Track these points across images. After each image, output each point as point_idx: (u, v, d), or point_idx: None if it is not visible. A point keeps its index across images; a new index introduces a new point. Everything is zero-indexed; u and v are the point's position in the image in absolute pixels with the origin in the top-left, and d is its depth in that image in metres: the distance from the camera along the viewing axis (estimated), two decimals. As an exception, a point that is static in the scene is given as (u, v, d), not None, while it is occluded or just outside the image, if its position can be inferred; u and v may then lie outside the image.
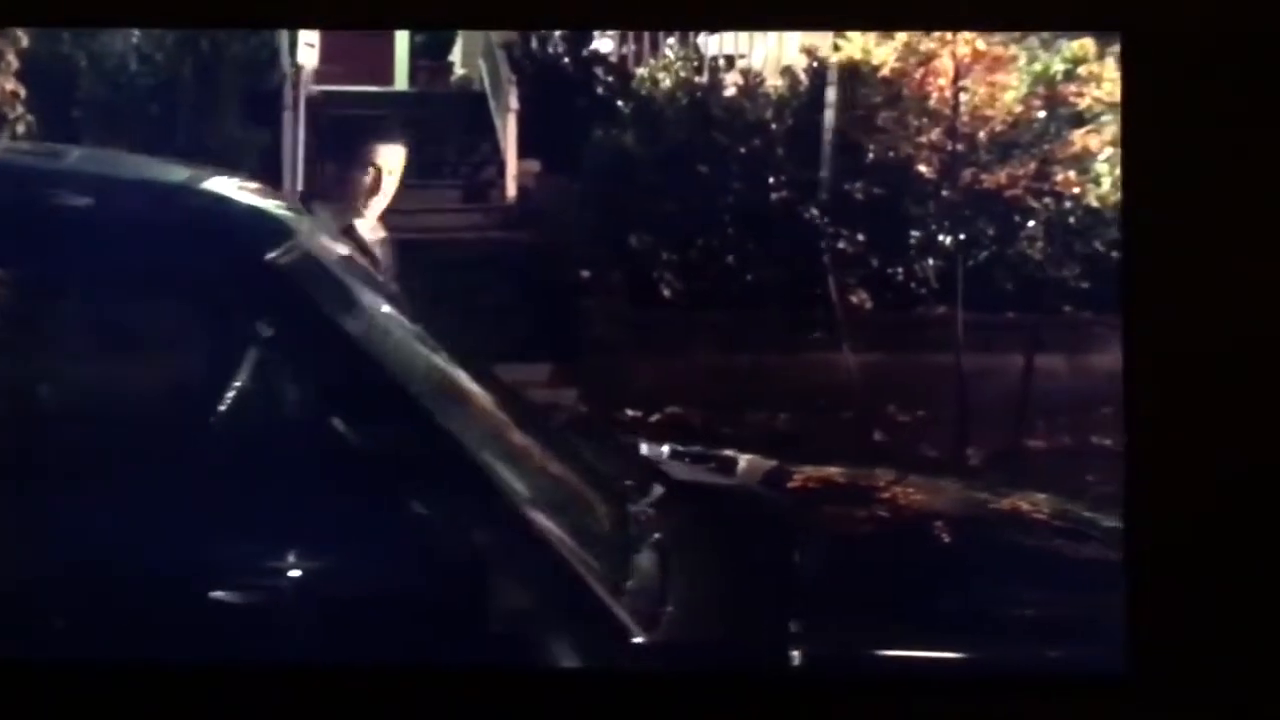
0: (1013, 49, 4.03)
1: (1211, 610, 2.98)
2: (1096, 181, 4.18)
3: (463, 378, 3.06)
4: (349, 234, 3.65)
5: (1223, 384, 3.00)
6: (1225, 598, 2.99)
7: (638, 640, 2.62)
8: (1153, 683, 2.97)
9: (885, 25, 3.75)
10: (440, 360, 3.05)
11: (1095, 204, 4.05)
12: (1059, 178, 3.88)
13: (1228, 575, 3.00)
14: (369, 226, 3.76)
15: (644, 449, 3.63)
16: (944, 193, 4.00)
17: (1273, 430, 3.00)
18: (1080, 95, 3.98)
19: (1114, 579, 2.93)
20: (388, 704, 2.95)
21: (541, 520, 2.64)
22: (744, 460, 3.57)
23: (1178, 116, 2.98)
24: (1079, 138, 4.00)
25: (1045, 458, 3.97)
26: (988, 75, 3.98)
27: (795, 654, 2.75)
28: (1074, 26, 3.58)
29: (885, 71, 4.02)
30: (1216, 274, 2.99)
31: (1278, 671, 3.01)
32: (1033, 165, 4.00)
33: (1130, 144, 3.03)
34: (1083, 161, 4.01)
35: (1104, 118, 4.22)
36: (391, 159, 3.75)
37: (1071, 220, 4.03)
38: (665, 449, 3.57)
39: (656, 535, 2.92)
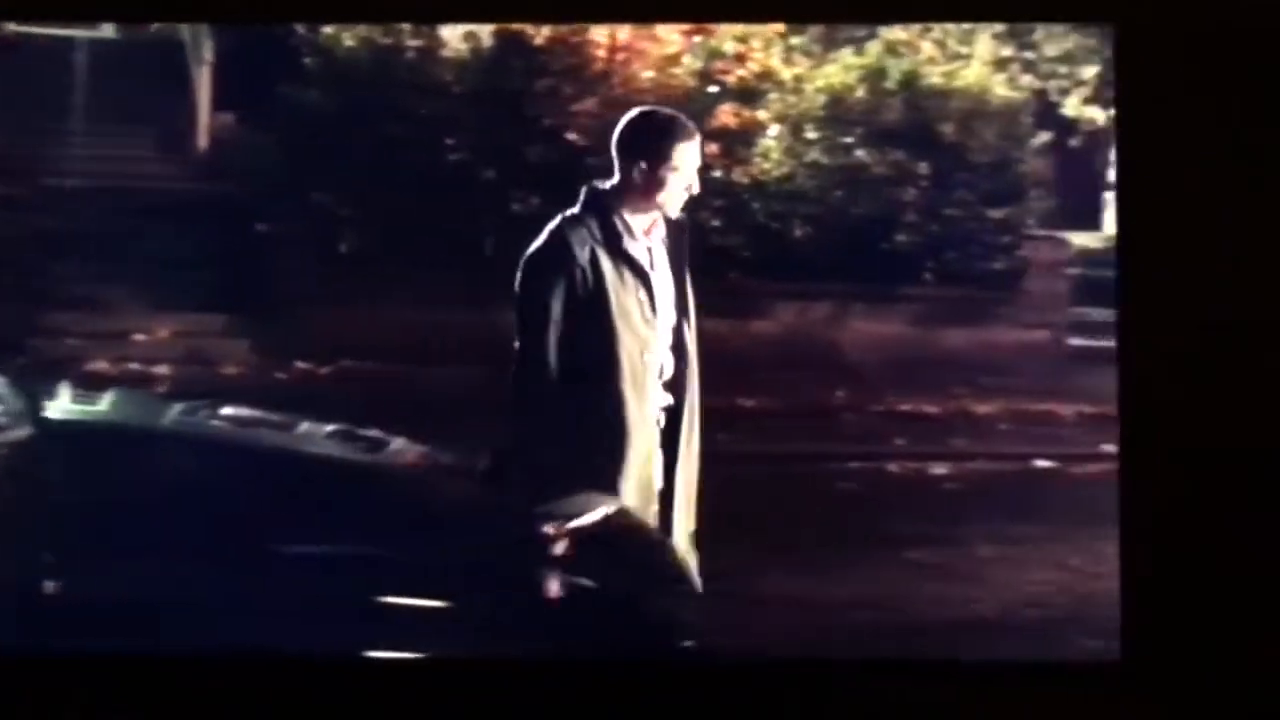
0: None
1: (1206, 599, 3.02)
2: (766, 156, 4.37)
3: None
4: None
5: (1217, 376, 3.04)
6: (1220, 586, 3.03)
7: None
8: (1148, 670, 3.02)
9: (876, 19, 3.81)
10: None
11: (754, 180, 4.26)
12: (708, 150, 4.04)
13: (1222, 564, 3.04)
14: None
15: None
16: (589, 160, 4.13)
17: (1268, 421, 3.04)
18: (726, 73, 4.17)
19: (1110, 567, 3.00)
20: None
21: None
22: (395, 442, 3.74)
23: (1168, 108, 3.01)
24: (724, 114, 4.18)
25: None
26: (645, 45, 4.14)
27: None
28: (1066, 19, 3.54)
29: (540, 40, 4.14)
30: (1212, 265, 3.03)
31: (1271, 659, 3.10)
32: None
33: (1124, 135, 3.06)
34: (727, 138, 4.20)
35: (770, 96, 4.41)
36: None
37: (741, 194, 4.22)
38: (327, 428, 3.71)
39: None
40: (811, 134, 4.37)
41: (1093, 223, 5.99)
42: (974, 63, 4.53)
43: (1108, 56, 4.41)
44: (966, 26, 4.53)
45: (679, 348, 3.66)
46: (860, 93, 4.36)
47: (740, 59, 4.29)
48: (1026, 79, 4.69)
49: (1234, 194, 3.06)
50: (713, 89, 4.31)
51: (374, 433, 3.86)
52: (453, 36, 4.37)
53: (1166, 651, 3.06)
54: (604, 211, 3.58)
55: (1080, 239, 5.75)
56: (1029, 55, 4.99)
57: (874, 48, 4.36)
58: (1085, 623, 3.10)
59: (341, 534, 3.53)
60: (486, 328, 4.25)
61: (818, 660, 3.23)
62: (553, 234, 3.62)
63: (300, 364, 4.14)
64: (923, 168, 4.29)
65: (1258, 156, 3.06)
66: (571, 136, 4.23)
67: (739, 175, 4.33)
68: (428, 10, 4.16)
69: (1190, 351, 3.05)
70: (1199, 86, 3.07)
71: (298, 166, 4.36)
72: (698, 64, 4.32)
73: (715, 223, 4.38)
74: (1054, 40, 4.84)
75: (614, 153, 3.64)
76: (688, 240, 3.64)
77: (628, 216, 3.61)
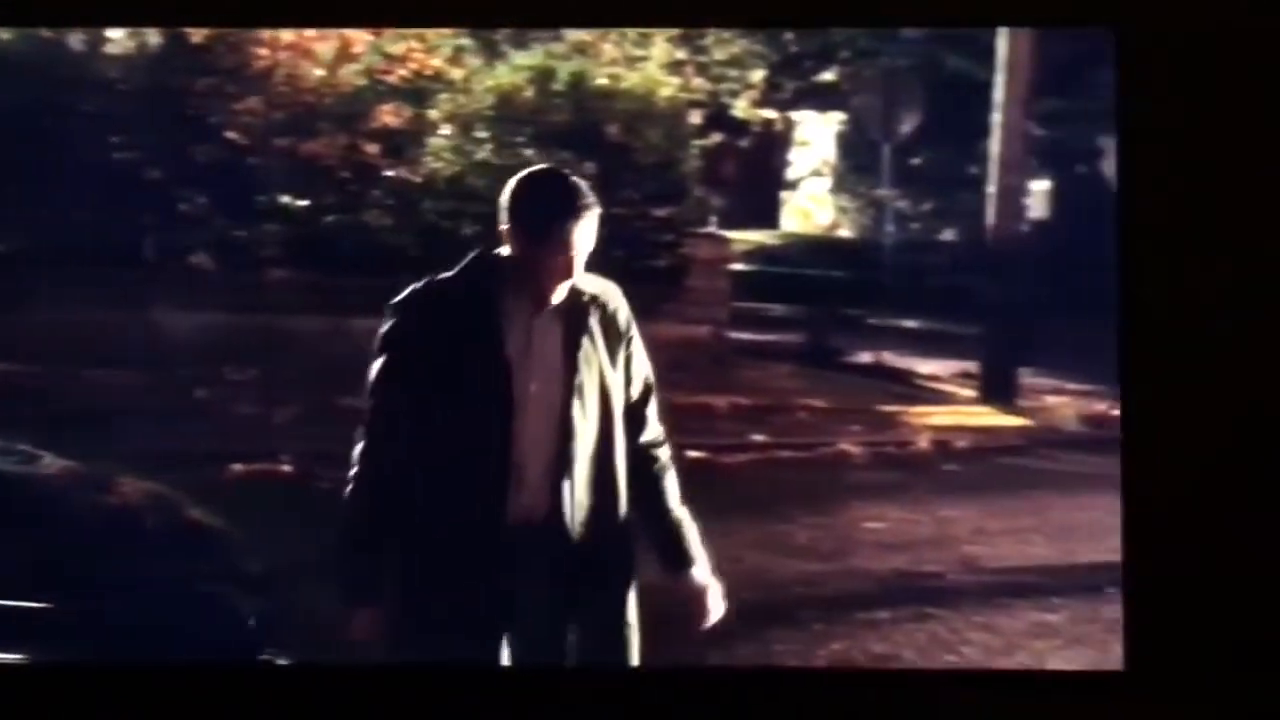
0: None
1: (1210, 609, 2.98)
2: (436, 156, 4.40)
3: None
4: None
5: (1220, 380, 3.01)
6: (1223, 596, 2.99)
7: None
8: (1152, 680, 2.97)
9: (862, 23, 3.73)
10: None
11: (425, 179, 4.29)
12: (369, 149, 4.05)
13: (1226, 574, 3.01)
14: None
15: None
16: (252, 160, 4.11)
17: (1270, 425, 3.00)
18: (391, 73, 4.19)
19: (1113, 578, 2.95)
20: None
21: None
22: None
23: (1168, 110, 2.98)
24: (389, 113, 4.20)
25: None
26: (313, 45, 4.13)
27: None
28: (1068, 23, 3.43)
29: (199, 39, 4.10)
30: (1214, 265, 2.99)
31: (1274, 668, 2.99)
32: (343, 138, 4.16)
33: (1125, 138, 3.00)
34: (395, 138, 4.22)
35: (441, 96, 4.43)
36: None
37: (377, 191, 4.23)
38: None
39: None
40: (481, 133, 4.41)
41: (770, 220, 6.19)
42: (649, 65, 4.64)
43: (902, 65, 4.56)
44: (645, 31, 4.61)
45: (563, 444, 2.83)
46: (529, 93, 4.42)
47: (407, 59, 4.31)
48: (698, 82, 4.83)
49: (1235, 196, 3.11)
50: (380, 89, 4.32)
51: (25, 447, 3.76)
52: (118, 33, 4.29)
53: (1169, 662, 3.01)
54: (485, 283, 2.80)
55: (757, 236, 5.94)
56: (702, 59, 5.14)
57: (542, 50, 4.42)
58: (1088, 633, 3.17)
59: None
60: (146, 329, 4.19)
61: (817, 668, 3.25)
62: (418, 303, 2.81)
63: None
64: (589, 167, 4.35)
65: (1259, 158, 3.11)
66: (233, 136, 4.19)
67: (409, 174, 4.35)
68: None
69: (1192, 355, 3.07)
70: (1198, 90, 3.12)
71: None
72: (367, 63, 4.32)
73: (386, 221, 4.39)
74: (723, 45, 4.98)
75: (503, 216, 2.77)
76: (600, 317, 2.82)
77: (510, 296, 2.80)
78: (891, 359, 4.69)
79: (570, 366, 2.81)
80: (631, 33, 4.60)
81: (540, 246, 2.70)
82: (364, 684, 3.09)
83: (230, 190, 4.32)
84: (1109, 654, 3.03)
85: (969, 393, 4.60)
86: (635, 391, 2.87)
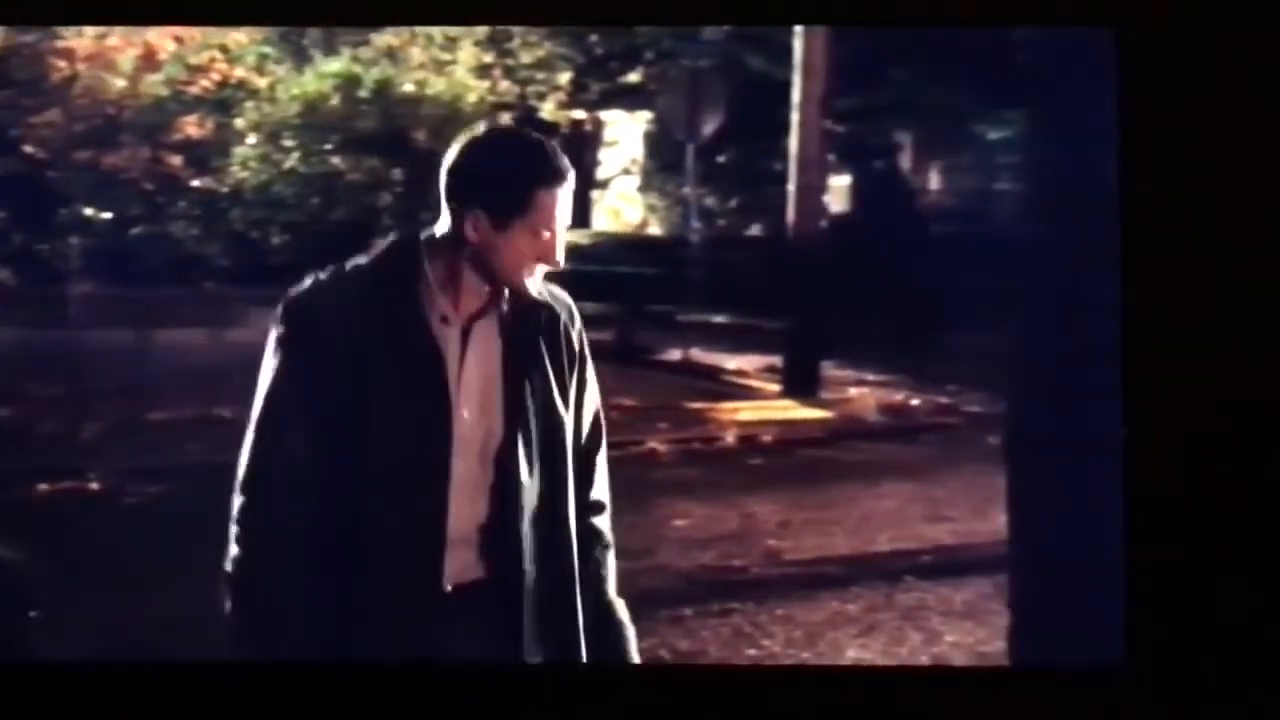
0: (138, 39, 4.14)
1: (1210, 602, 2.96)
2: (243, 165, 4.38)
3: None
4: None
5: (1222, 377, 3.00)
6: (1223, 590, 2.97)
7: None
8: (1151, 675, 2.94)
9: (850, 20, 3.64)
10: None
11: (232, 189, 4.27)
12: (173, 161, 4.03)
13: (1226, 568, 2.99)
14: None
15: None
16: (51, 173, 4.06)
17: (1272, 423, 2.99)
18: (192, 84, 4.16)
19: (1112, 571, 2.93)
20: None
21: None
22: None
23: (1172, 109, 2.94)
24: (191, 124, 4.17)
25: (167, 429, 4.14)
26: (114, 55, 4.08)
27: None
28: (1068, 22, 3.35)
29: (-6, 47, 4.03)
30: (1216, 265, 2.97)
31: (1275, 664, 3.01)
32: (146, 150, 4.13)
33: (1127, 137, 2.96)
34: (196, 148, 4.19)
35: (246, 105, 4.41)
36: None
37: (183, 202, 4.21)
38: None
39: None
40: (288, 141, 4.40)
41: (582, 219, 6.27)
42: (456, 69, 4.67)
43: (704, 66, 4.60)
44: (453, 34, 4.63)
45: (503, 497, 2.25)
46: (335, 100, 4.42)
47: (210, 69, 4.28)
48: (506, 85, 4.87)
49: (1237, 196, 3.15)
50: (184, 99, 4.29)
51: None
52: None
53: (1169, 656, 3.05)
54: (406, 277, 2.20)
55: (568, 235, 5.98)
56: (509, 62, 5.19)
57: (348, 56, 4.43)
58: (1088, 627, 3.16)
59: None
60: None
61: (816, 665, 3.23)
62: (323, 290, 2.17)
63: None
64: (397, 174, 4.38)
65: (1262, 158, 3.14)
66: (31, 150, 4.12)
67: (215, 184, 4.33)
68: None
69: (1195, 353, 3.11)
70: (1200, 90, 3.14)
71: None
72: (169, 74, 4.28)
73: (193, 232, 4.36)
74: (530, 48, 5.03)
75: (442, 191, 2.14)
76: (550, 333, 2.24)
77: (438, 291, 2.18)
78: (699, 355, 4.79)
79: (514, 393, 2.23)
80: (439, 37, 4.62)
81: (516, 221, 2.08)
82: (354, 683, 3.04)
83: (30, 204, 4.25)
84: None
85: (774, 387, 4.72)
86: (585, 430, 2.28)
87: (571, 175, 2.12)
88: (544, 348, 2.26)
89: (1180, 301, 3.19)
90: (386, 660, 2.27)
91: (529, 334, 2.23)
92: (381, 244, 2.18)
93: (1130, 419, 3.08)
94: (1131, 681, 3.03)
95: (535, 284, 2.17)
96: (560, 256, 2.14)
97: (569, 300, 2.25)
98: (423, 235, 2.18)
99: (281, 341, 2.15)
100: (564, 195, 2.11)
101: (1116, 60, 3.11)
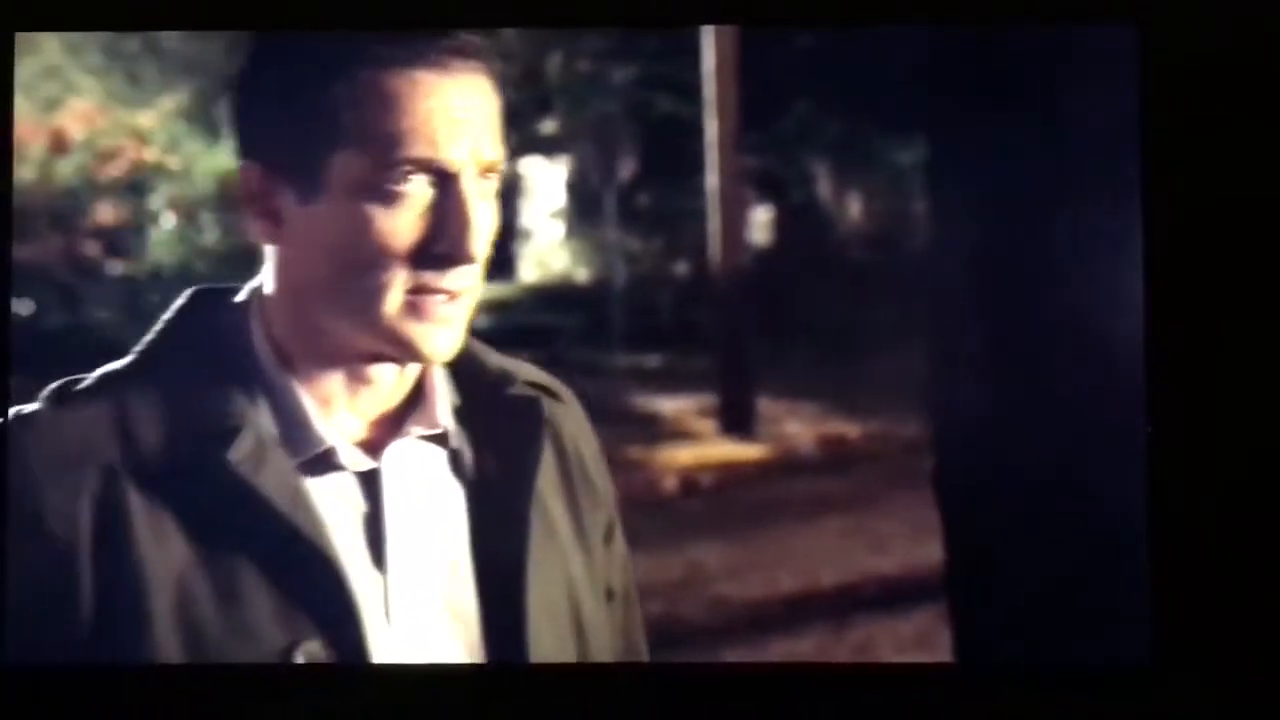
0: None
1: (1238, 601, 2.94)
2: (161, 245, 4.35)
3: None
4: None
5: (1247, 377, 2.98)
6: (1252, 588, 2.95)
7: None
8: (1178, 674, 2.91)
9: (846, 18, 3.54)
10: None
11: (149, 273, 4.24)
12: (89, 248, 4.00)
13: (1255, 565, 2.97)
14: None
15: None
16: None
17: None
18: (102, 171, 4.15)
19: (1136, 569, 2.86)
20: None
21: None
22: None
23: (1195, 110, 2.91)
24: (105, 211, 4.16)
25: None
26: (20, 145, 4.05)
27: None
28: (1087, 19, 3.28)
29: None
30: (1240, 269, 2.94)
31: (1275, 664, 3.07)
32: (58, 239, 4.12)
33: (1149, 141, 2.92)
34: (111, 234, 4.18)
35: (161, 186, 4.38)
36: None
37: (100, 289, 4.20)
38: None
39: None
40: (205, 218, 4.38)
41: (507, 272, 6.24)
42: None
43: (612, 111, 4.58)
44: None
45: None
46: (249, 174, 4.39)
47: (120, 154, 4.25)
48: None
49: (1265, 196, 3.15)
50: (97, 185, 4.26)
51: None
52: None
53: (1197, 656, 3.08)
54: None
55: (493, 289, 5.97)
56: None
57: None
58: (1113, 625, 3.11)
59: None
60: None
61: (830, 663, 3.19)
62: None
63: None
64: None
65: None
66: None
67: (131, 270, 4.30)
68: None
69: (1219, 354, 3.12)
70: (1224, 86, 3.13)
71: None
72: (79, 161, 4.25)
73: (111, 317, 4.32)
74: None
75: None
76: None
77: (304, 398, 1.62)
78: (635, 401, 4.79)
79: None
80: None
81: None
82: (355, 685, 3.00)
83: (-55, 302, 4.22)
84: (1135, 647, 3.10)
85: (710, 425, 4.73)
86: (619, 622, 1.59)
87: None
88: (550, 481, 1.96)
89: (1203, 300, 3.23)
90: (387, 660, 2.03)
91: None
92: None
93: (1154, 411, 3.13)
94: (1158, 681, 3.09)
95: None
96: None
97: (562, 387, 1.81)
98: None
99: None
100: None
101: (1140, 60, 3.14)
